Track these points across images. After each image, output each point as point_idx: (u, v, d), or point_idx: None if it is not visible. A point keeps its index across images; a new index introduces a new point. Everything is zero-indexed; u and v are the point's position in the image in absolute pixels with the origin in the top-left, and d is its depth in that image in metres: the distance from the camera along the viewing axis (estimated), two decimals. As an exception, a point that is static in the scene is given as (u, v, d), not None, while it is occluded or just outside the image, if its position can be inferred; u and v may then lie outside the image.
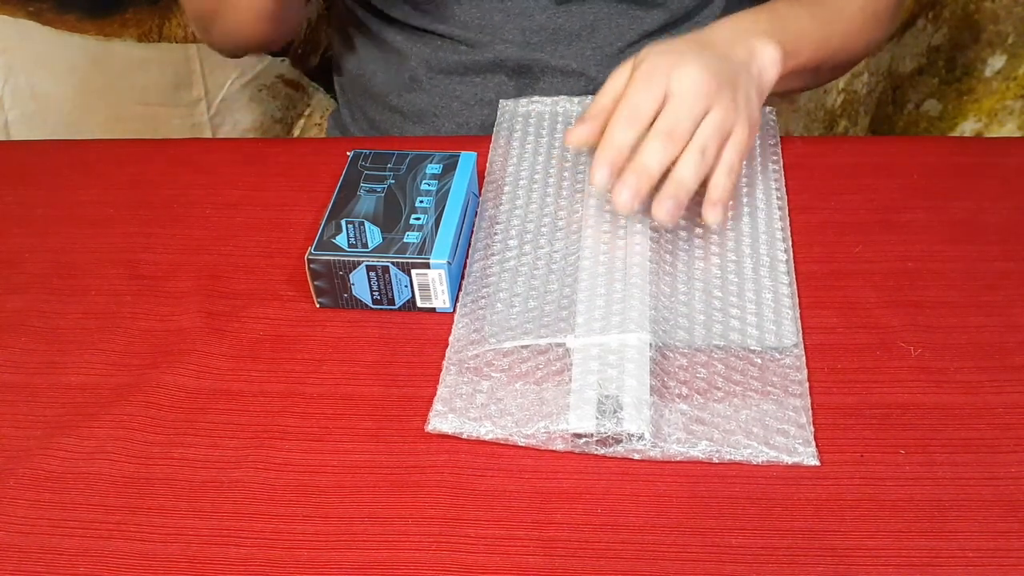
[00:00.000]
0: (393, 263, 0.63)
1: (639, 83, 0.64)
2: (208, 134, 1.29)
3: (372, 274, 0.63)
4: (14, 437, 0.59)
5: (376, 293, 0.64)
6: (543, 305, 0.64)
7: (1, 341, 0.66)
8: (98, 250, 0.72)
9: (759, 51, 0.70)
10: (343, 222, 0.65)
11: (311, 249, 0.64)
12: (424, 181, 0.68)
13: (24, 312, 0.67)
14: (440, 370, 0.61)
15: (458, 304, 0.65)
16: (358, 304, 0.65)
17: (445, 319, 0.64)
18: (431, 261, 0.62)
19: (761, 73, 0.70)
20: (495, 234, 0.69)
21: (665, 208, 0.63)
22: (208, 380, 0.62)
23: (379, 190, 0.68)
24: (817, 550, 0.51)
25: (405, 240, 0.64)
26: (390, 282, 0.64)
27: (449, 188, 0.67)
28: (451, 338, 0.63)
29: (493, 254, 0.68)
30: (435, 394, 0.59)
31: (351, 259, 0.63)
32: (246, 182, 0.77)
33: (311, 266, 0.64)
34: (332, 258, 0.63)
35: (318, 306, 0.66)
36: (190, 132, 1.25)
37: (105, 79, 1.18)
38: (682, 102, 0.63)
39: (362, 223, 0.65)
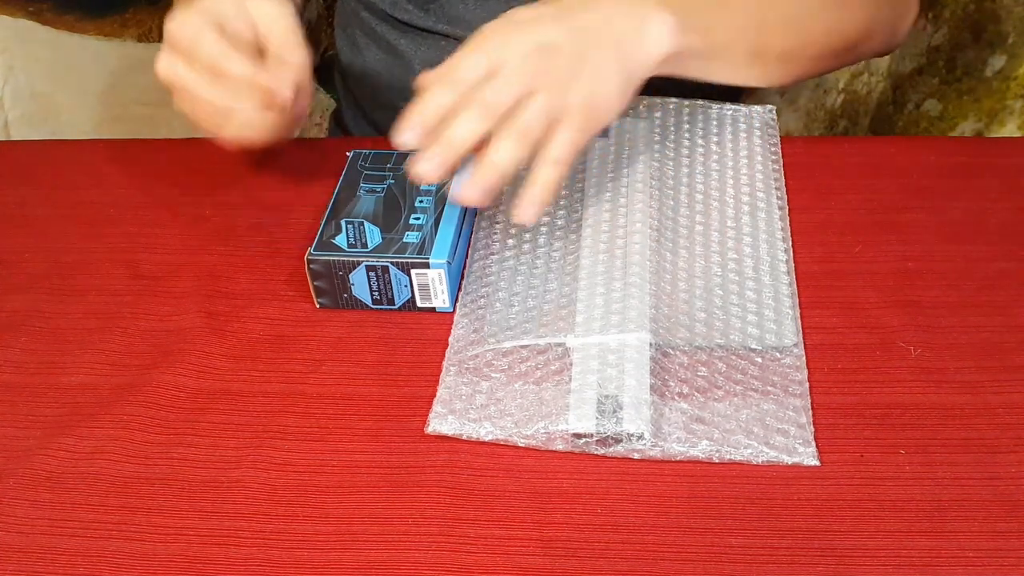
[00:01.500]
0: (393, 263, 0.63)
1: (467, 49, 0.60)
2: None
3: (372, 274, 0.63)
4: (14, 437, 0.59)
5: (376, 293, 0.64)
6: (543, 305, 0.64)
7: (1, 341, 0.66)
8: (98, 250, 0.72)
9: (647, 23, 0.63)
10: (343, 222, 0.65)
11: (311, 249, 0.64)
12: None
13: (24, 312, 0.67)
14: (440, 370, 0.61)
15: (458, 304, 0.65)
16: (358, 304, 0.65)
17: (445, 319, 0.64)
18: (431, 261, 0.62)
19: (639, 51, 0.63)
20: (495, 234, 0.69)
21: (469, 193, 0.59)
22: (208, 380, 0.62)
23: (379, 190, 0.68)
24: (817, 550, 0.51)
25: (405, 240, 0.64)
26: (390, 282, 0.64)
27: (448, 188, 0.67)
28: (451, 338, 0.63)
29: (493, 254, 0.68)
30: (435, 394, 0.59)
31: (351, 259, 0.63)
32: (246, 182, 0.77)
33: (311, 266, 0.64)
34: (332, 258, 0.63)
35: (318, 307, 0.66)
36: (190, 132, 1.25)
37: (105, 79, 1.18)
38: (503, 76, 0.59)
39: (361, 223, 0.65)
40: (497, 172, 0.59)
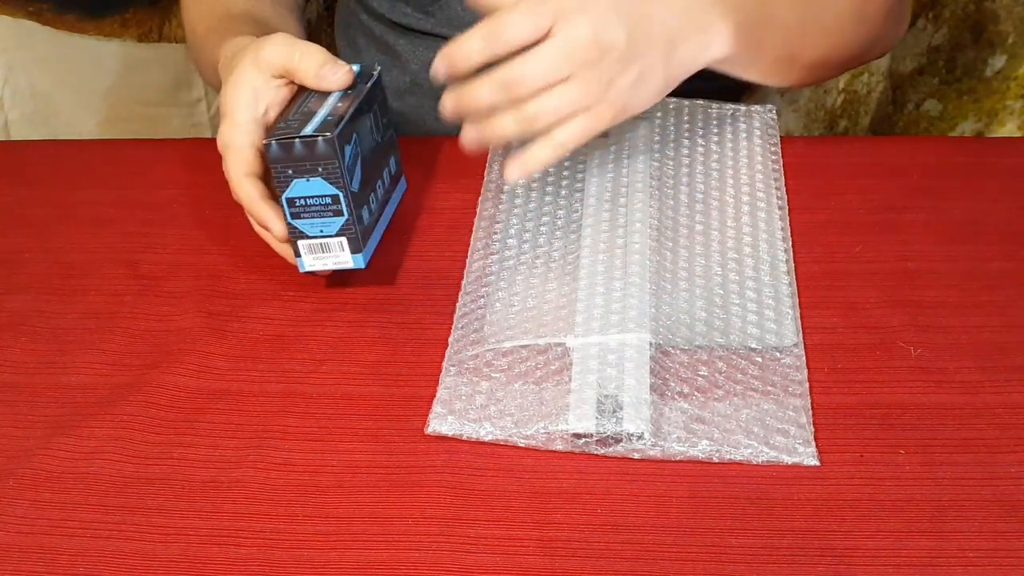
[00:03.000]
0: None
1: (525, 5, 0.58)
2: (208, 134, 1.29)
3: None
4: (14, 437, 0.59)
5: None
6: (543, 305, 0.64)
7: (1, 341, 0.66)
8: (98, 250, 0.72)
9: (709, 33, 0.63)
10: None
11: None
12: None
13: (24, 312, 0.67)
14: (440, 370, 0.61)
15: (458, 304, 0.65)
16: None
17: (445, 319, 0.64)
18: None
19: (691, 59, 0.63)
20: (494, 234, 0.70)
21: (465, 140, 0.61)
22: (208, 380, 0.62)
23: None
24: (817, 550, 0.51)
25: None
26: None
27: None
28: (451, 338, 0.63)
29: (492, 253, 0.68)
30: (435, 394, 0.59)
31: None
32: (246, 182, 0.77)
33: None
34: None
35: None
36: (190, 132, 1.25)
37: (105, 79, 1.18)
38: (546, 55, 0.58)
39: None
40: (488, 138, 0.61)
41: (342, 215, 0.62)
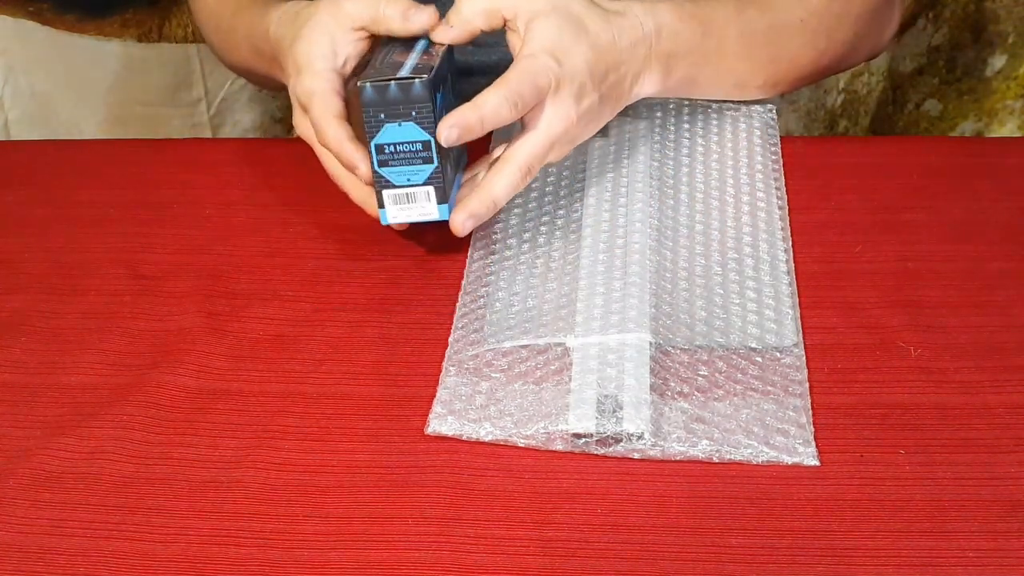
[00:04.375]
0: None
1: (528, 76, 0.62)
2: (208, 134, 1.29)
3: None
4: (14, 437, 0.59)
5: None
6: (543, 305, 0.64)
7: (1, 341, 0.66)
8: (98, 250, 0.72)
9: (640, 81, 0.68)
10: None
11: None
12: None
13: (24, 312, 0.67)
14: (440, 370, 0.61)
15: (457, 304, 0.65)
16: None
17: (445, 319, 0.64)
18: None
19: (628, 98, 0.69)
20: (494, 233, 0.70)
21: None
22: (208, 380, 0.62)
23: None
24: (817, 550, 0.51)
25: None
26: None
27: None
28: (451, 338, 0.63)
29: (492, 253, 0.68)
30: (435, 394, 0.59)
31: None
32: (246, 182, 0.77)
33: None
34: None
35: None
36: (190, 132, 1.25)
37: (105, 79, 1.18)
38: (549, 129, 0.63)
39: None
40: (495, 209, 0.64)
41: (432, 162, 0.61)
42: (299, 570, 0.52)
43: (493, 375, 0.60)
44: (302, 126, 0.67)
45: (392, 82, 0.59)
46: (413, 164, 0.61)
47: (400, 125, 0.60)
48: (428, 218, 0.63)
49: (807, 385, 0.59)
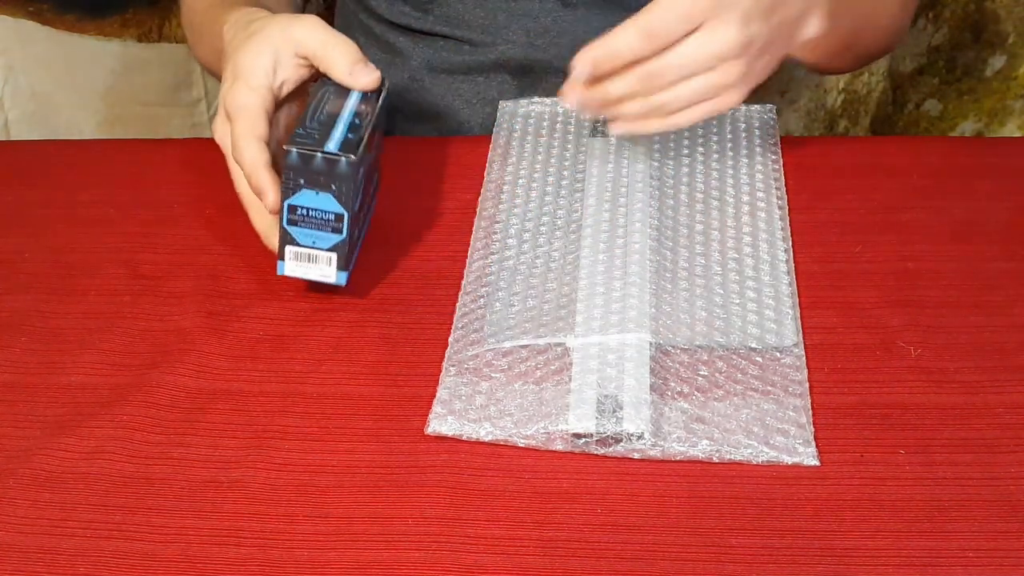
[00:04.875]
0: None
1: (676, 2, 0.60)
2: (208, 134, 1.28)
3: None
4: (14, 437, 0.59)
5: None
6: (542, 304, 0.64)
7: (1, 341, 0.65)
8: (98, 250, 0.72)
9: (811, 13, 0.65)
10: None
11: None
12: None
13: (24, 312, 0.67)
14: (440, 370, 0.61)
15: (457, 304, 0.65)
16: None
17: (445, 319, 0.64)
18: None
19: (799, 41, 0.66)
20: (494, 233, 0.70)
21: (570, 99, 0.63)
22: (208, 380, 0.62)
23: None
24: (817, 550, 0.51)
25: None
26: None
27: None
28: (451, 338, 0.63)
29: (492, 253, 0.68)
30: (435, 394, 0.59)
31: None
32: (246, 182, 0.77)
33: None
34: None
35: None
36: (190, 132, 1.25)
37: (105, 79, 1.18)
38: (695, 53, 0.60)
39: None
40: (619, 121, 0.64)
41: (340, 233, 0.61)
42: (299, 570, 0.52)
43: (493, 375, 0.60)
44: (221, 132, 0.66)
45: (319, 154, 0.59)
46: (322, 231, 0.61)
47: (318, 194, 0.60)
48: (325, 280, 0.63)
49: (807, 385, 0.59)
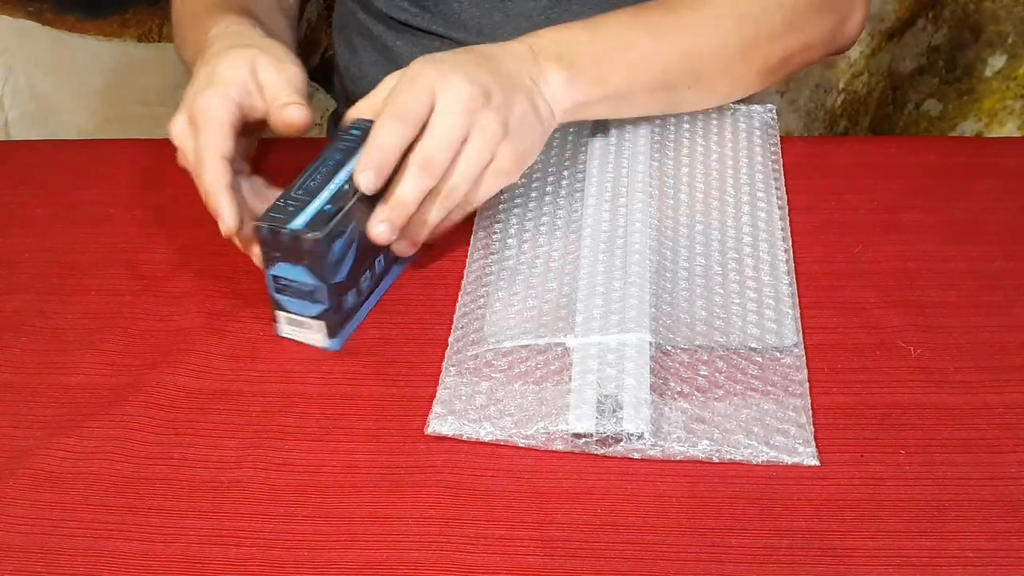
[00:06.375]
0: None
1: (405, 85, 0.61)
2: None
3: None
4: (14, 437, 0.59)
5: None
6: (542, 304, 0.64)
7: (1, 341, 0.65)
8: (98, 250, 0.72)
9: (541, 79, 0.66)
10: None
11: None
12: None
13: (24, 312, 0.67)
14: (440, 370, 0.61)
15: (457, 304, 0.65)
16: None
17: (445, 319, 0.64)
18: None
19: (544, 104, 0.66)
20: (494, 233, 0.70)
21: (379, 232, 0.61)
22: (208, 380, 0.62)
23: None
24: (817, 550, 0.51)
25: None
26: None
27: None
28: (451, 338, 0.63)
29: (492, 253, 0.68)
30: (435, 394, 0.59)
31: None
32: (246, 182, 0.77)
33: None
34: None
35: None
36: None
37: (105, 79, 1.18)
38: (443, 120, 0.60)
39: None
40: (419, 229, 0.63)
41: (323, 303, 0.61)
42: (299, 570, 0.52)
43: (493, 375, 0.60)
44: (180, 132, 0.65)
45: (284, 231, 0.59)
46: (304, 300, 0.61)
47: (294, 266, 0.60)
48: (318, 345, 0.63)
49: (807, 385, 0.59)
